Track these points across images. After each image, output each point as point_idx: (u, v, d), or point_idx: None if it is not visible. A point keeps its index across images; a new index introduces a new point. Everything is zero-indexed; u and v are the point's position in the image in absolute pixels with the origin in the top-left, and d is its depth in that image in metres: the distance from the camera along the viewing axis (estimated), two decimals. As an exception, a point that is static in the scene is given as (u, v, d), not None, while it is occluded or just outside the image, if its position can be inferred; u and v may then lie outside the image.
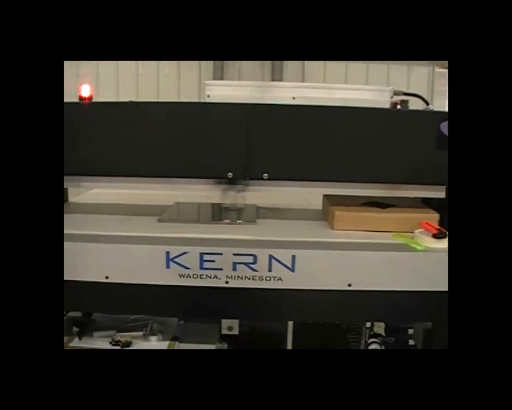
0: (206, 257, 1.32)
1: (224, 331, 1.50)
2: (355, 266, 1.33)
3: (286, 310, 1.38)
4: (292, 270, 1.32)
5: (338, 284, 1.32)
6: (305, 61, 5.16)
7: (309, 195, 1.80)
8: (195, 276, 1.33)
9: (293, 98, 1.68)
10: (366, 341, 1.47)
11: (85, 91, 1.78)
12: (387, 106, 1.67)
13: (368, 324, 1.46)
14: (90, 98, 1.77)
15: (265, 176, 1.49)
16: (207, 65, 5.24)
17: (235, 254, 1.32)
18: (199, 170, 1.52)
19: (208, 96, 1.69)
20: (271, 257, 1.31)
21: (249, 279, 1.32)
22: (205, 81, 1.74)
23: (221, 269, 1.32)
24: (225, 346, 1.53)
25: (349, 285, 1.32)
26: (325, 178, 1.53)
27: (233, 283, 1.33)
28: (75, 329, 1.51)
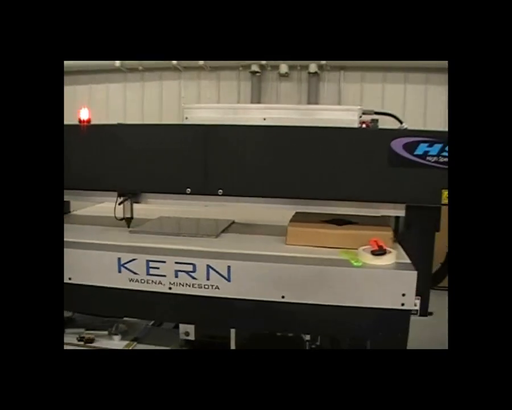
0: (151, 264, 1.43)
1: (182, 336, 1.60)
2: (288, 279, 1.37)
3: (223, 317, 1.45)
4: (228, 279, 1.39)
5: (272, 295, 1.37)
6: (341, 85, 5.21)
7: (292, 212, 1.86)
8: (142, 281, 1.45)
9: (264, 119, 1.77)
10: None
11: (84, 114, 2.00)
12: (356, 125, 1.70)
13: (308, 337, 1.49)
14: (89, 121, 1.98)
15: (220, 192, 1.59)
16: (246, 87, 5.45)
17: (176, 263, 1.42)
18: (164, 186, 1.65)
19: (186, 118, 1.82)
20: (208, 266, 1.40)
21: (189, 286, 1.42)
22: (183, 105, 1.88)
23: (164, 276, 1.43)
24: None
25: (282, 297, 1.37)
26: (278, 195, 1.59)
27: (175, 289, 1.43)
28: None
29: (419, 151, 1.46)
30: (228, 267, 1.39)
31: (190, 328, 1.59)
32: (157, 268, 1.43)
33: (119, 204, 1.68)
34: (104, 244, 1.54)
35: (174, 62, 5.46)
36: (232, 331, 1.55)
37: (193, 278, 1.41)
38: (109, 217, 1.71)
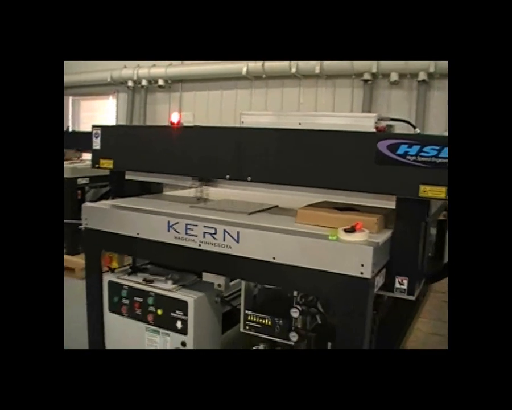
0: (188, 226, 1.96)
1: (216, 287, 2.09)
2: (278, 243, 1.78)
3: (232, 269, 1.91)
4: (237, 241, 1.85)
5: (266, 256, 1.80)
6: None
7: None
8: (183, 239, 1.98)
9: (299, 124, 2.18)
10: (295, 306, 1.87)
11: (175, 118, 2.60)
12: (372, 129, 2.02)
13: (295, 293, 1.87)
14: (179, 123, 2.57)
15: (249, 178, 2.05)
16: (359, 94, 5.71)
17: (204, 226, 1.93)
18: (213, 173, 2.17)
19: (242, 122, 2.32)
20: (224, 231, 1.88)
21: (212, 245, 1.91)
22: (240, 112, 2.37)
23: (196, 236, 1.95)
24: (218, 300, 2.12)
25: (274, 258, 1.78)
26: (294, 183, 1.99)
27: (203, 246, 1.94)
28: (129, 270, 2.31)
29: (400, 151, 1.75)
30: (238, 232, 1.85)
31: (221, 280, 2.07)
32: (192, 230, 1.95)
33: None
34: (160, 211, 2.11)
35: (294, 70, 5.97)
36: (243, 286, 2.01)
37: (214, 238, 1.90)
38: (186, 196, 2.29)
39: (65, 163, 5.45)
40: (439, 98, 5.40)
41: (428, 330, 3.63)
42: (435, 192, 1.70)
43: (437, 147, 1.68)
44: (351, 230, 1.70)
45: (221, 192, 2.38)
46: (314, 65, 5.77)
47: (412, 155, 1.73)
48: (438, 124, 5.39)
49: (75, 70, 7.77)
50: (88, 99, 8.53)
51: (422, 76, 5.26)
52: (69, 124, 8.23)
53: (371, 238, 1.73)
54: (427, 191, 1.71)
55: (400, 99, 5.63)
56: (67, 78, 7.72)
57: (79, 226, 2.33)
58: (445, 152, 1.67)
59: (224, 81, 6.72)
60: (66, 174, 5.03)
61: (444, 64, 5.08)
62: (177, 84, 7.23)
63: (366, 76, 5.60)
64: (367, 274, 1.63)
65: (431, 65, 5.15)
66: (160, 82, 7.12)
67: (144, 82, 7.27)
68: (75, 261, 4.96)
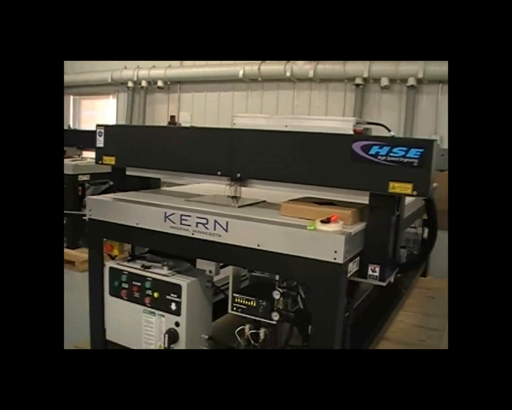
0: (183, 217, 2.17)
1: (207, 273, 2.30)
2: (262, 232, 1.99)
3: (221, 255, 2.13)
4: (226, 230, 2.07)
5: (251, 243, 2.01)
6: (439, 97, 5.41)
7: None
8: (178, 228, 2.19)
9: (286, 126, 2.40)
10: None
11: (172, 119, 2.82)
12: (350, 132, 2.24)
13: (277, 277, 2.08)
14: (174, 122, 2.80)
15: (238, 175, 2.26)
16: (351, 98, 5.94)
17: (197, 216, 2.14)
18: (207, 169, 2.38)
19: (234, 124, 2.53)
20: (215, 221, 2.09)
21: (204, 233, 2.12)
22: (232, 114, 2.58)
23: (189, 225, 2.16)
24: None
25: (258, 245, 2.00)
26: (281, 180, 2.21)
27: (196, 235, 2.15)
28: (128, 257, 2.53)
29: (372, 151, 1.96)
30: (227, 222, 2.06)
31: (212, 266, 2.28)
32: (186, 220, 2.17)
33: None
34: (158, 203, 2.33)
35: (288, 74, 6.20)
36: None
37: (206, 228, 2.11)
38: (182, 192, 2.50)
39: (66, 160, 5.67)
40: (427, 102, 5.64)
41: (410, 322, 3.85)
42: (402, 188, 1.92)
43: (405, 148, 1.90)
44: (327, 221, 1.92)
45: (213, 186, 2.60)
46: (308, 69, 6.00)
47: (382, 155, 1.94)
48: (426, 126, 5.65)
49: (77, 70, 7.99)
50: (89, 98, 8.74)
51: (411, 81, 5.49)
52: (70, 123, 8.44)
53: (345, 229, 1.94)
54: (396, 187, 1.93)
55: (390, 103, 5.86)
56: (69, 78, 7.95)
57: (84, 217, 2.54)
58: (411, 153, 1.89)
59: (222, 83, 6.95)
60: (68, 171, 5.24)
61: (431, 70, 5.33)
62: (176, 85, 7.45)
63: (358, 80, 5.83)
64: (340, 260, 1.84)
65: (420, 71, 5.39)
66: (159, 83, 7.34)
67: (143, 83, 7.49)
68: (76, 254, 5.18)
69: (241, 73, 6.49)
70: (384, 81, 5.68)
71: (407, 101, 5.63)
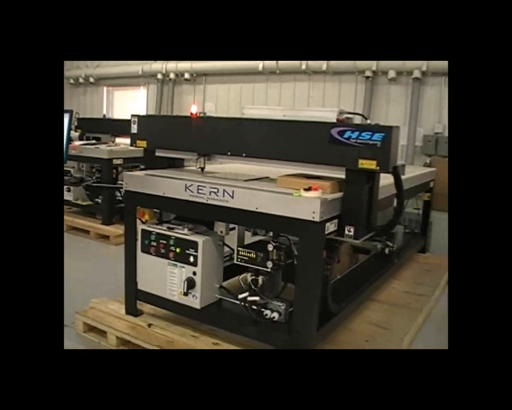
0: (199, 188, 2.76)
1: (219, 233, 2.89)
2: (259, 198, 2.56)
3: (229, 217, 2.71)
4: (232, 197, 2.64)
5: (251, 206, 2.58)
6: (442, 89, 5.85)
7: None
8: (195, 196, 2.78)
9: (284, 116, 2.95)
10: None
11: (193, 109, 3.39)
12: (334, 120, 2.77)
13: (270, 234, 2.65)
14: (197, 114, 3.36)
15: (244, 154, 2.83)
16: (361, 89, 6.42)
17: (210, 187, 2.72)
18: (219, 150, 2.96)
19: (243, 114, 3.10)
20: (224, 190, 2.67)
21: (215, 200, 2.70)
22: (242, 106, 3.14)
23: (204, 194, 2.74)
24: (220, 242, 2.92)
25: (256, 208, 2.57)
26: (275, 158, 2.77)
27: (209, 201, 2.73)
28: (156, 221, 3.14)
29: (346, 135, 2.49)
30: (233, 191, 2.64)
31: (223, 227, 2.87)
32: (202, 190, 2.75)
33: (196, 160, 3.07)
34: (180, 177, 2.92)
35: (304, 67, 6.71)
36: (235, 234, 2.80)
37: (217, 195, 2.69)
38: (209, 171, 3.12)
39: (102, 146, 6.34)
40: (431, 93, 6.08)
41: (401, 289, 4.36)
42: (369, 164, 2.45)
43: (371, 133, 2.43)
44: (308, 189, 2.47)
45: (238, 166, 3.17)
46: (321, 64, 6.51)
47: (353, 138, 2.47)
48: (430, 115, 6.10)
49: (110, 64, 8.70)
50: (121, 89, 9.43)
51: (416, 73, 5.94)
52: (104, 112, 9.15)
53: (323, 196, 2.49)
54: (364, 163, 2.46)
55: (397, 94, 6.31)
56: (103, 70, 8.67)
57: (120, 189, 3.16)
58: (375, 136, 2.41)
59: (244, 76, 7.52)
60: (104, 155, 5.90)
61: (434, 64, 5.77)
62: (201, 77, 8.05)
63: (367, 73, 6.31)
64: (317, 219, 2.38)
65: (424, 64, 5.83)
66: (186, 75, 7.97)
67: (171, 75, 8.15)
68: (110, 230, 5.86)
69: (261, 66, 7.04)
70: (392, 74, 6.14)
71: (412, 92, 6.07)
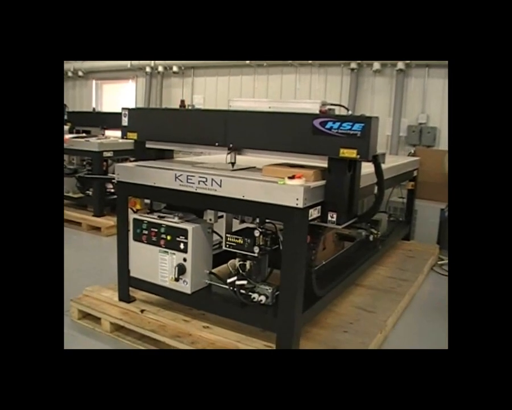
0: (188, 177, 2.87)
1: (207, 220, 3.01)
2: (246, 187, 2.68)
3: (217, 205, 2.83)
4: (220, 186, 2.76)
5: (238, 194, 2.70)
6: (426, 80, 5.99)
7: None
8: (185, 185, 2.90)
9: (269, 107, 3.06)
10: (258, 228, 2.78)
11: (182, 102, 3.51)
12: (317, 112, 2.89)
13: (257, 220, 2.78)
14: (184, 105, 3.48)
15: (231, 145, 2.95)
16: (347, 81, 6.54)
17: (199, 176, 2.84)
18: (207, 141, 3.07)
19: (230, 106, 3.21)
20: (212, 179, 2.79)
21: (204, 189, 2.82)
22: (229, 99, 3.26)
23: (193, 183, 2.86)
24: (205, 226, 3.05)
25: (243, 196, 2.69)
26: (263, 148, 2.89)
27: (198, 190, 2.85)
28: (147, 211, 3.25)
29: (328, 126, 2.62)
30: (220, 180, 2.76)
31: (211, 215, 2.99)
32: (191, 179, 2.86)
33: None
34: (170, 167, 3.03)
35: (291, 60, 6.83)
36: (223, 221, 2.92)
37: (205, 184, 2.81)
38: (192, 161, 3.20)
39: (92, 139, 6.41)
40: (415, 84, 6.23)
41: (386, 274, 4.52)
42: (350, 153, 2.58)
43: (351, 123, 2.55)
44: (292, 177, 2.59)
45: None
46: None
47: (335, 129, 2.60)
48: (414, 106, 6.26)
49: (99, 57, 8.72)
50: (110, 83, 9.48)
51: (400, 65, 6.09)
52: (94, 106, 9.20)
53: (306, 184, 2.61)
54: (345, 152, 2.59)
55: (382, 85, 6.46)
56: (92, 64, 8.70)
57: (113, 180, 3.26)
58: (355, 127, 2.54)
59: (231, 68, 7.61)
60: (94, 148, 5.99)
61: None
62: (190, 70, 8.14)
63: (353, 65, 6.45)
64: (300, 205, 2.51)
65: (407, 57, 5.98)
66: (175, 68, 8.05)
67: (160, 68, 8.23)
68: (101, 221, 5.96)
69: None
70: (376, 66, 6.28)
71: (396, 83, 6.22)
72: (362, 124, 2.53)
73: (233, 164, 3.07)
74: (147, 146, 3.41)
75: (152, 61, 8.19)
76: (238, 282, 2.90)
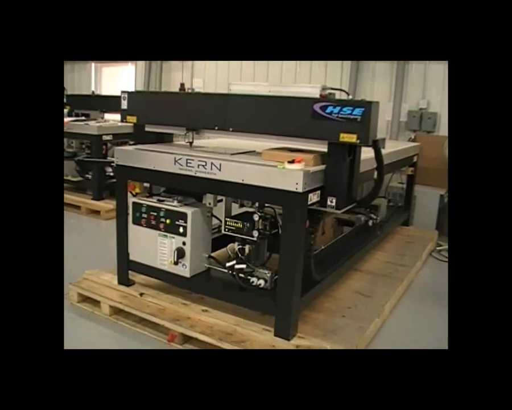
0: (188, 160, 2.87)
1: (207, 204, 3.01)
2: (245, 171, 2.68)
3: (216, 189, 2.83)
4: (220, 170, 2.75)
5: (237, 178, 2.70)
6: (426, 65, 5.96)
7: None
8: (184, 169, 2.89)
9: (269, 91, 3.04)
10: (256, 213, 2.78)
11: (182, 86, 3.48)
12: (317, 96, 2.87)
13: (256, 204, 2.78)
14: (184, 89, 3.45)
15: (231, 129, 2.93)
16: (348, 66, 6.52)
17: (199, 160, 2.83)
18: (207, 125, 3.06)
19: (230, 90, 3.19)
20: (212, 163, 2.78)
21: (203, 173, 2.82)
22: (229, 82, 3.24)
23: (193, 166, 2.85)
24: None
25: (242, 180, 2.68)
26: (260, 131, 2.88)
27: (198, 174, 2.84)
28: (147, 194, 3.25)
29: (328, 110, 2.60)
30: (220, 164, 2.75)
31: (211, 199, 2.99)
32: (190, 163, 2.86)
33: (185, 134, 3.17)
34: (169, 151, 3.02)
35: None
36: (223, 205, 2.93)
37: (205, 168, 2.80)
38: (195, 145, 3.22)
39: (91, 122, 6.38)
40: (416, 70, 6.19)
41: (384, 260, 4.53)
42: (349, 138, 2.57)
43: (351, 108, 2.54)
44: (292, 162, 2.59)
45: (228, 141, 3.30)
46: (308, 39, 6.56)
47: (335, 113, 2.59)
48: (415, 92, 6.23)
49: (98, 40, 8.63)
50: (109, 66, 9.41)
51: (401, 50, 6.03)
52: (93, 89, 9.14)
53: (306, 168, 2.61)
54: (344, 137, 2.58)
55: (383, 70, 6.42)
56: (91, 47, 8.59)
57: (112, 164, 3.26)
58: (356, 111, 2.53)
59: (231, 52, 7.55)
60: (93, 131, 5.96)
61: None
62: (189, 54, 8.06)
63: (354, 50, 6.38)
64: (300, 189, 2.51)
65: (409, 41, 5.92)
66: (174, 51, 7.97)
67: (159, 52, 8.13)
68: (101, 205, 5.96)
69: (248, 42, 7.07)
70: (378, 50, 6.22)
71: (397, 69, 6.17)
72: (362, 109, 2.51)
73: (191, 143, 3.12)
74: (147, 129, 3.39)
75: (152, 44, 8.12)
76: (237, 266, 2.91)
